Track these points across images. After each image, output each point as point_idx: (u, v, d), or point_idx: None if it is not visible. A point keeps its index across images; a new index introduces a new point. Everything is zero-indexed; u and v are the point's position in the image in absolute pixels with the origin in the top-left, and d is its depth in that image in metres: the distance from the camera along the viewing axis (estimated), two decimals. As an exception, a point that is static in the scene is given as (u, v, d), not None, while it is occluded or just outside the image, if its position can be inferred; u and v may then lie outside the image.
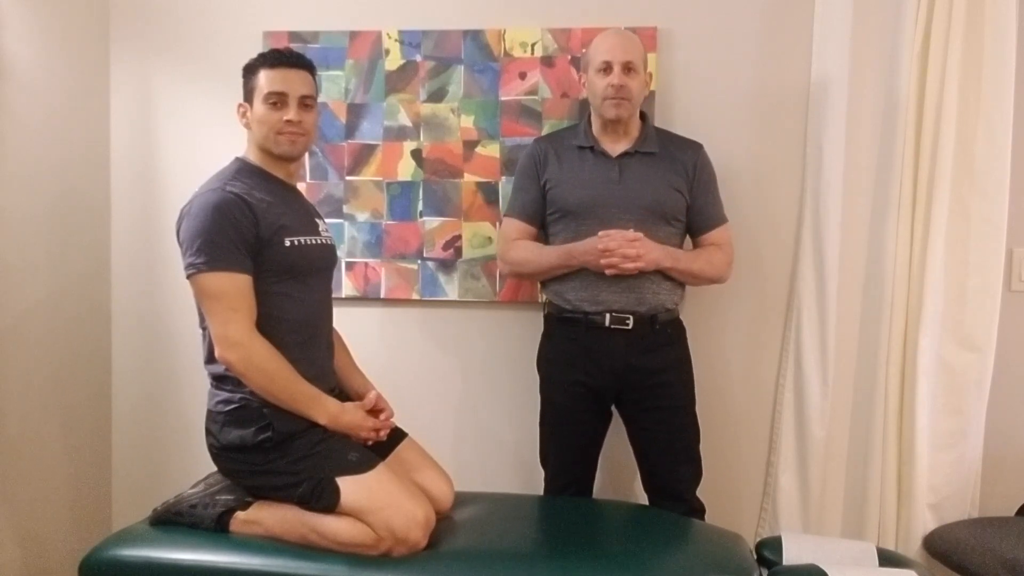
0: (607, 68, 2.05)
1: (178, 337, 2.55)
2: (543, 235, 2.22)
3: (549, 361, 2.20)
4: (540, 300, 2.37)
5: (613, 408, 2.20)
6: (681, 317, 2.19)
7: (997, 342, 2.25)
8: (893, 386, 2.30)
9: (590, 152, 2.13)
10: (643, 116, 2.18)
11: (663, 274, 2.07)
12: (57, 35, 2.32)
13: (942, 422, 2.27)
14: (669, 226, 2.11)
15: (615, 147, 2.12)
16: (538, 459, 2.25)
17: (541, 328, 2.25)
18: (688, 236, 2.20)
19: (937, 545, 2.17)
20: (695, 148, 2.18)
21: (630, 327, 2.06)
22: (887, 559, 1.81)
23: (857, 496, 2.34)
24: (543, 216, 2.19)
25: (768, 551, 1.85)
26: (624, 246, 1.97)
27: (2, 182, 2.12)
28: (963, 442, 2.28)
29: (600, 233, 2.01)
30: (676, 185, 2.11)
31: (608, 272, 2.00)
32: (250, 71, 1.89)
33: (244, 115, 1.91)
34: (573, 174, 2.13)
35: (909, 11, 2.22)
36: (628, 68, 2.05)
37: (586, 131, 2.16)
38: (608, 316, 2.06)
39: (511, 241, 2.20)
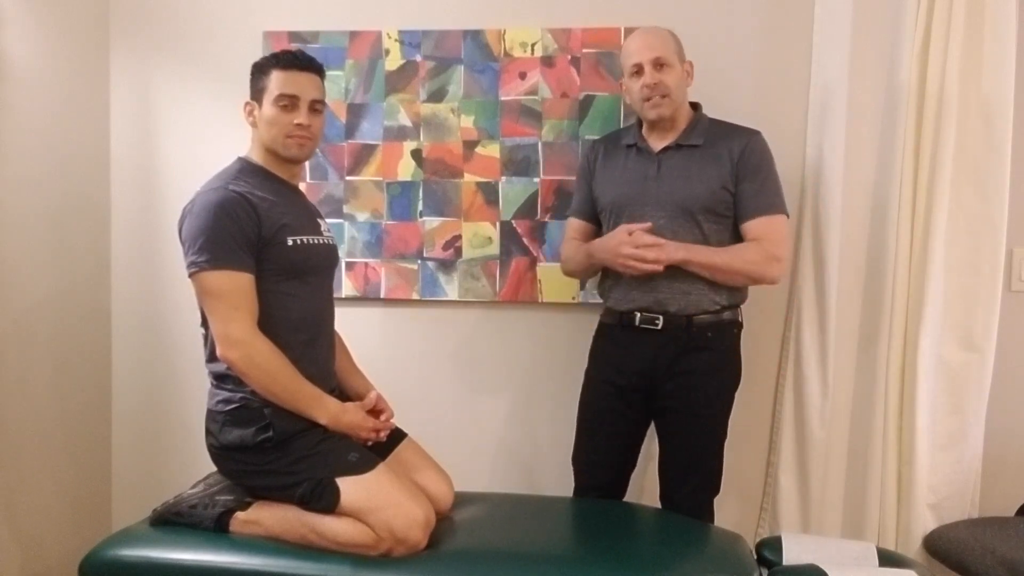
0: (638, 70, 2.02)
1: (178, 337, 2.55)
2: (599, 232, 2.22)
3: (590, 359, 2.19)
4: (539, 299, 2.38)
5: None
6: (742, 322, 2.10)
7: (997, 342, 2.25)
8: (893, 386, 2.30)
9: (635, 150, 2.11)
10: (696, 107, 2.12)
11: (696, 274, 2.00)
12: (57, 35, 2.32)
13: (942, 422, 2.27)
14: (708, 223, 2.01)
15: (659, 143, 2.08)
16: (539, 459, 2.25)
17: (540, 328, 2.25)
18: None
19: (937, 545, 2.17)
20: (745, 135, 2.06)
21: (659, 327, 2.02)
22: (887, 559, 1.81)
23: (857, 496, 2.34)
24: (596, 214, 2.19)
25: (768, 551, 1.85)
26: (640, 253, 1.94)
27: (2, 182, 2.12)
28: (963, 442, 2.28)
29: (616, 236, 1.99)
30: (717, 178, 2.01)
31: (626, 273, 1.98)
32: (260, 71, 1.88)
33: (251, 113, 1.90)
34: (614, 172, 2.12)
35: (909, 11, 2.23)
36: (659, 64, 2.00)
37: (636, 129, 2.13)
38: (638, 316, 2.04)
39: (566, 240, 2.24)
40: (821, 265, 2.30)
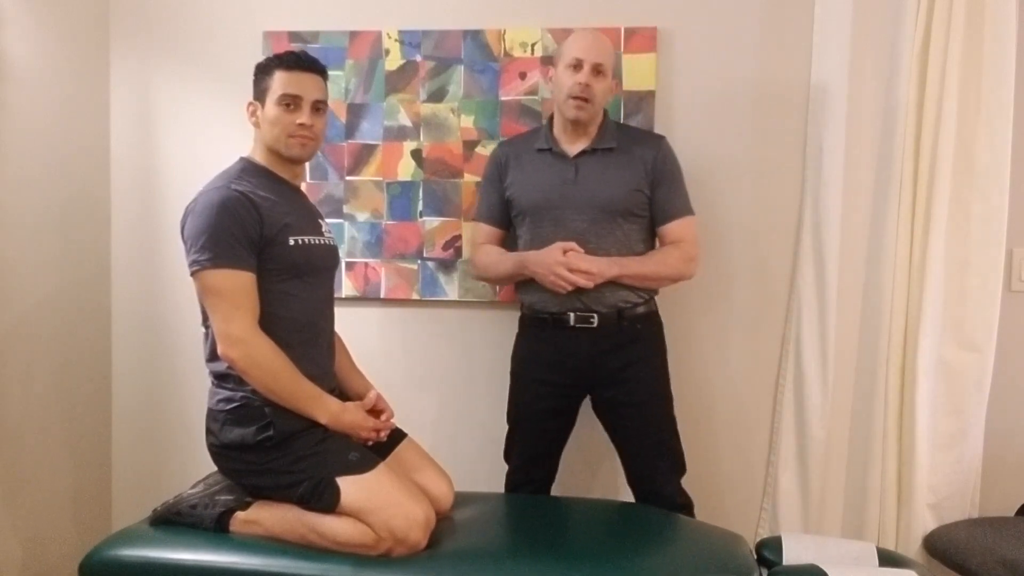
0: (577, 65, 2.05)
1: (178, 337, 2.55)
2: (512, 236, 2.24)
3: (519, 360, 2.22)
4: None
5: (583, 410, 2.19)
6: (658, 310, 2.18)
7: (997, 342, 2.26)
8: (893, 386, 2.30)
9: (549, 154, 2.14)
10: (604, 113, 2.17)
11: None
12: (57, 35, 2.32)
13: (942, 422, 2.27)
14: (627, 223, 2.09)
15: (573, 147, 2.12)
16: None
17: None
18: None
19: (937, 545, 2.17)
20: (655, 141, 2.16)
21: (595, 325, 2.06)
22: (887, 559, 1.81)
23: (857, 496, 2.34)
24: (508, 218, 2.21)
25: (768, 551, 1.85)
26: (574, 278, 1.99)
27: (2, 182, 2.12)
28: (963, 442, 2.28)
29: (552, 254, 2.02)
30: (633, 181, 2.09)
31: (555, 289, 2.02)
32: (264, 71, 1.88)
33: (254, 113, 1.90)
34: (530, 176, 2.15)
35: (909, 11, 2.23)
36: (597, 70, 2.05)
37: (547, 133, 2.17)
38: (572, 315, 2.07)
39: (477, 246, 2.26)
40: (821, 265, 2.30)
